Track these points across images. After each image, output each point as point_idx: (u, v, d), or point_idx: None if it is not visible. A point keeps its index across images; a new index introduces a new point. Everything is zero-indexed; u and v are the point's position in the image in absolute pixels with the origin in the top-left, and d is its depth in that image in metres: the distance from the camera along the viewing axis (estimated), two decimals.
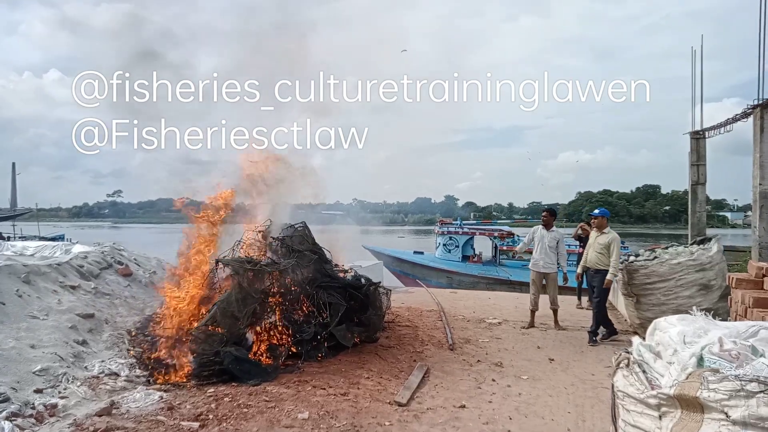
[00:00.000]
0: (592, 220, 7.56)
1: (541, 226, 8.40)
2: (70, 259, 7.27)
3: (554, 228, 8.38)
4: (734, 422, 1.90)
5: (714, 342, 2.24)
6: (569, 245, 18.31)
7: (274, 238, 6.54)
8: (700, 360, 2.22)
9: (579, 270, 7.83)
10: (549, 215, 8.45)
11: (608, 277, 6.99)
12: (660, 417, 2.16)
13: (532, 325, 8.15)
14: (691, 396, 2.02)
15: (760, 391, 1.90)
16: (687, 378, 2.08)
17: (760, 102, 7.08)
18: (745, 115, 7.89)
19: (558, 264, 8.35)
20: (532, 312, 8.22)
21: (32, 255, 8.32)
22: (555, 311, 8.24)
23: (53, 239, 21.19)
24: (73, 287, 6.58)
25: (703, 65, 10.64)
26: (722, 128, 9.58)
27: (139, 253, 9.96)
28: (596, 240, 7.23)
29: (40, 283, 6.18)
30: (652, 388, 2.27)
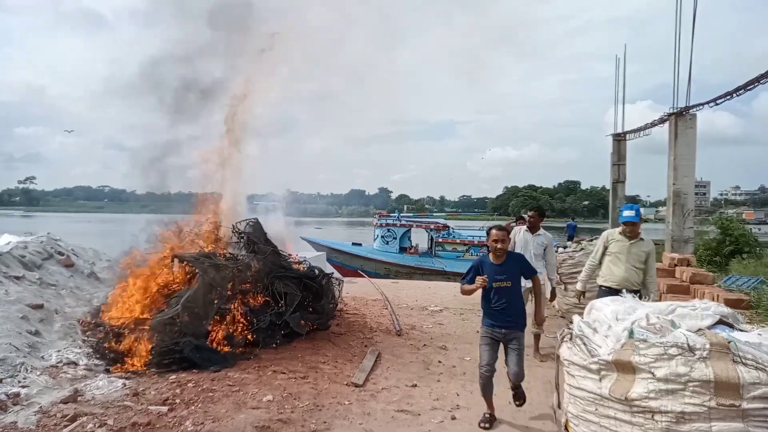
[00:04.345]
0: (624, 227, 5.37)
1: (524, 228, 6.61)
2: (11, 250, 7.04)
3: (541, 231, 6.56)
4: (658, 379, 2.42)
5: (642, 318, 2.75)
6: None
7: (237, 232, 6.67)
8: (631, 333, 2.72)
9: (580, 287, 5.96)
10: (537, 216, 6.57)
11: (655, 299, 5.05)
12: (600, 379, 2.65)
13: (537, 349, 6.45)
14: (625, 360, 2.52)
15: (678, 354, 2.43)
16: (622, 347, 2.56)
17: (675, 111, 7.93)
18: (661, 121, 8.80)
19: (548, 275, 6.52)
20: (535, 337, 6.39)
21: None
22: (537, 336, 6.45)
23: None
24: (17, 278, 6.41)
25: (626, 72, 11.63)
26: (641, 132, 10.55)
27: (75, 243, 9.70)
28: (629, 250, 5.29)
29: None
30: (592, 357, 2.75)
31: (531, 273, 4.62)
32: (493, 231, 4.47)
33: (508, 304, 4.33)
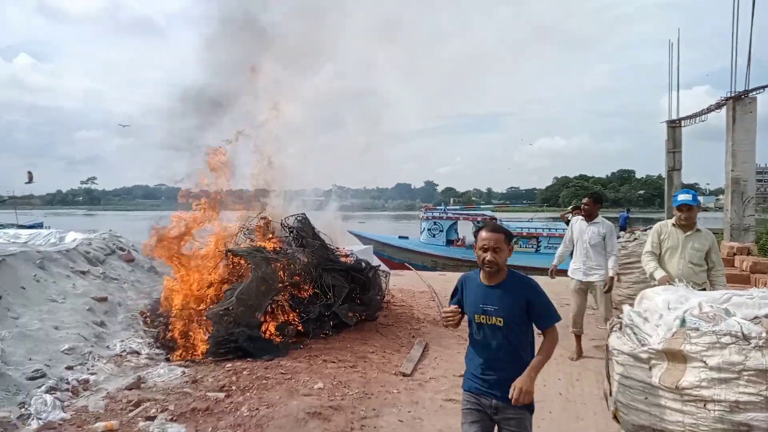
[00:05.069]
0: (678, 212, 4.67)
1: (580, 218, 6.14)
2: (77, 246, 7.47)
3: (599, 219, 5.99)
4: (711, 368, 2.38)
5: (694, 306, 2.69)
6: (557, 229, 17.85)
7: (286, 227, 6.87)
8: (683, 322, 2.67)
9: (659, 276, 4.59)
10: (592, 202, 6.03)
11: None
12: (650, 368, 2.62)
13: (580, 354, 5.97)
14: (676, 349, 2.48)
15: (732, 343, 2.38)
16: (673, 336, 2.53)
17: (733, 95, 7.58)
18: (718, 106, 8.44)
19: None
20: (577, 337, 6.00)
21: (26, 243, 8.47)
22: (578, 337, 6.08)
23: (32, 227, 21.01)
24: (83, 272, 6.81)
25: (680, 57, 11.18)
26: (697, 118, 10.13)
27: (134, 240, 10.19)
28: (686, 243, 4.62)
29: (53, 269, 6.40)
30: (642, 346, 2.71)
31: (546, 322, 2.61)
32: (482, 233, 2.71)
33: (497, 357, 2.59)
